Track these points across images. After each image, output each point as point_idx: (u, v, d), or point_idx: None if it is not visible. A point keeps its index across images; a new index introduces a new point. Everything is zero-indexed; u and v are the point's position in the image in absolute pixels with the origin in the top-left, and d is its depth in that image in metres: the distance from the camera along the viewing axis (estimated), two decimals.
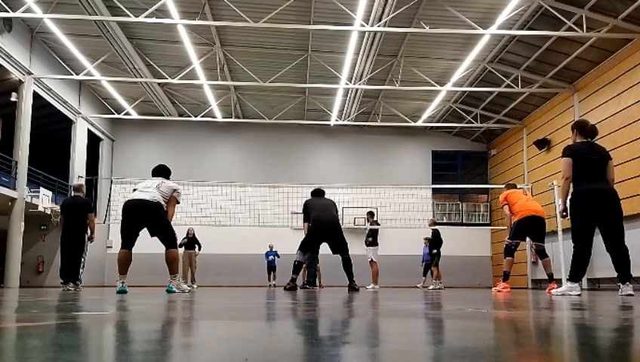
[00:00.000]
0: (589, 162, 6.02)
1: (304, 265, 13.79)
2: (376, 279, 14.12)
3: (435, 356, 1.33)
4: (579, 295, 6.26)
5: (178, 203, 7.30)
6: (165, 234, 7.05)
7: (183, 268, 16.82)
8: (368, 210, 16.53)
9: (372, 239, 14.42)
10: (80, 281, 10.33)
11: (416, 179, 23.65)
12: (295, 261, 9.22)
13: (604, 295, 8.49)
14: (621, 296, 5.92)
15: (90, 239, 10.14)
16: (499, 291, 9.38)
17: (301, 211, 9.54)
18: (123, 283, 6.83)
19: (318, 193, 9.67)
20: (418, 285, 18.00)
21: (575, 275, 6.24)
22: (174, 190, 7.23)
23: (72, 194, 10.80)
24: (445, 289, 14.66)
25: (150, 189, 7.03)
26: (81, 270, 10.30)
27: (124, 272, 6.92)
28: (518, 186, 19.89)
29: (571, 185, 6.13)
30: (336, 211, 9.34)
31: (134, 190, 7.20)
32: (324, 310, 3.42)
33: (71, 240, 10.00)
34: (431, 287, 15.39)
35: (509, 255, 9.78)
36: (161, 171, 7.50)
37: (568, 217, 6.22)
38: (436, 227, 16.05)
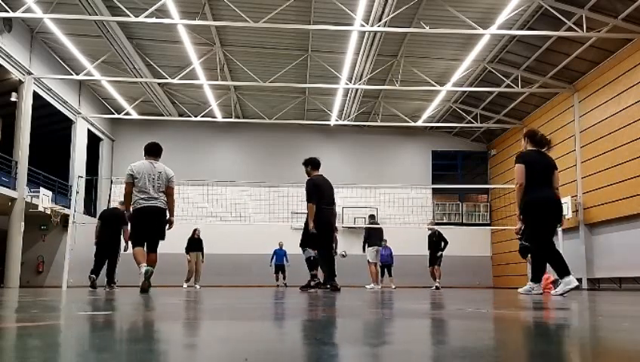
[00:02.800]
0: (539, 170, 6.37)
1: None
2: (375, 278, 14.85)
3: (435, 356, 1.33)
4: (541, 293, 6.75)
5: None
6: (160, 239, 7.30)
7: (188, 269, 16.82)
8: (370, 213, 16.94)
9: (370, 239, 15.13)
10: (115, 283, 11.51)
11: (416, 179, 23.63)
12: (310, 257, 8.48)
13: (605, 295, 8.50)
14: (568, 289, 6.29)
15: (125, 248, 10.91)
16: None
17: (301, 211, 9.00)
18: (145, 264, 6.95)
19: (318, 165, 9.02)
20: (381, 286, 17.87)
21: (538, 276, 6.71)
22: (170, 179, 7.28)
23: (112, 206, 12.06)
24: (444, 289, 14.66)
25: (158, 191, 7.14)
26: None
27: (144, 260, 7.03)
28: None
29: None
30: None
31: (133, 177, 7.10)
32: (323, 310, 3.42)
33: (106, 244, 11.31)
34: (435, 287, 15.39)
35: (529, 254, 8.79)
36: (157, 150, 7.44)
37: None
38: (435, 227, 15.98)
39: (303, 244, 8.63)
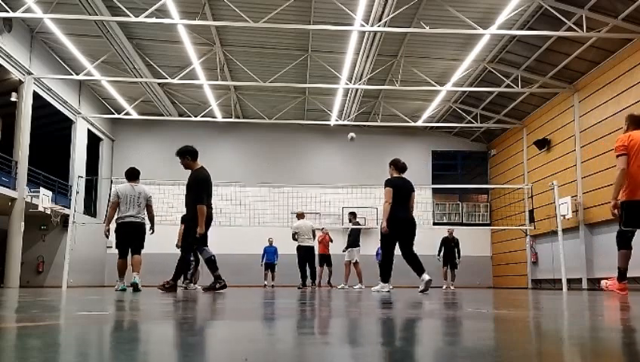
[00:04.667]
0: (402, 194, 8.03)
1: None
2: (357, 278, 15.05)
3: (435, 356, 1.33)
4: (389, 291, 8.13)
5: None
6: (141, 247, 8.70)
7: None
8: (351, 211, 16.82)
9: (354, 239, 15.16)
10: (187, 281, 12.04)
11: (416, 179, 23.42)
12: (211, 257, 7.84)
13: (605, 295, 8.49)
14: (424, 283, 7.85)
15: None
16: (610, 289, 7.07)
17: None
18: (124, 283, 8.55)
19: (197, 154, 8.23)
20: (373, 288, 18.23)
21: (386, 277, 8.28)
22: (148, 198, 8.78)
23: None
24: (443, 290, 14.69)
25: (139, 209, 8.53)
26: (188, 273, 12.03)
27: (123, 276, 8.63)
28: (519, 186, 20.20)
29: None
30: None
31: (118, 197, 8.57)
32: (323, 310, 3.42)
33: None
34: (452, 288, 16.55)
35: (625, 246, 6.62)
36: (136, 174, 8.81)
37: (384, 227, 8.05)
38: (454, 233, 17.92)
39: (190, 247, 8.01)
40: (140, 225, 8.65)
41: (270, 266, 18.98)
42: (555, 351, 1.47)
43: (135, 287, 8.18)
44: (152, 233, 8.83)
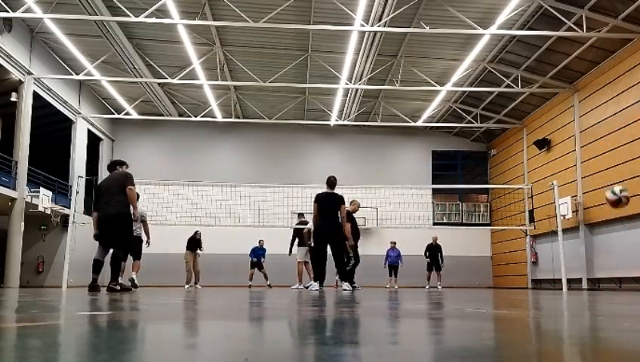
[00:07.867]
0: (326, 206, 9.36)
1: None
2: (300, 279, 14.57)
3: (435, 356, 1.33)
4: (317, 290, 9.06)
5: None
6: (133, 252, 10.08)
7: (186, 269, 16.77)
8: (299, 211, 16.74)
9: (298, 239, 14.69)
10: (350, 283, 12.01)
11: (416, 179, 23.62)
12: (95, 258, 8.06)
13: (605, 295, 8.50)
14: (343, 291, 9.08)
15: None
16: None
17: (308, 211, 9.26)
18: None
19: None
20: (388, 286, 18.98)
21: (316, 277, 9.40)
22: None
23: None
24: (444, 289, 14.69)
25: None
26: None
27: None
28: (519, 186, 20.22)
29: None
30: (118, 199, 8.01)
31: None
32: (323, 310, 3.43)
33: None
34: (440, 288, 17.31)
35: None
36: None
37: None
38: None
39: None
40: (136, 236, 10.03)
41: (257, 264, 18.03)
42: (555, 351, 1.46)
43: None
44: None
